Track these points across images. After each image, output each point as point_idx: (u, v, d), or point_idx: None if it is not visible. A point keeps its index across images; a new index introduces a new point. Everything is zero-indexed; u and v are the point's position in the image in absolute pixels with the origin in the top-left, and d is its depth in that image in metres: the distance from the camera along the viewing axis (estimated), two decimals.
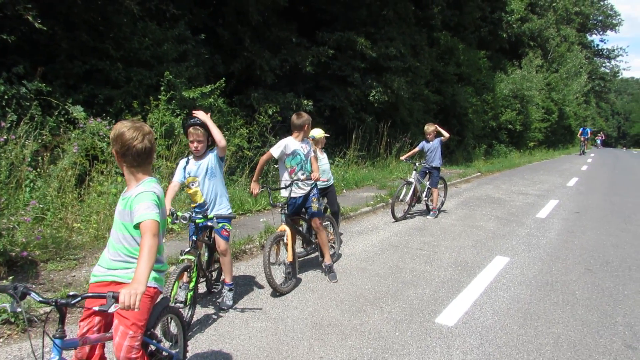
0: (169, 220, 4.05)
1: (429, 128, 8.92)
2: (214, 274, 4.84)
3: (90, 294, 2.36)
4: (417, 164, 9.00)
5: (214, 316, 4.35)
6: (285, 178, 5.31)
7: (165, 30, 9.00)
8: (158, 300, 2.78)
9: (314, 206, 5.36)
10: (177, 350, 3.15)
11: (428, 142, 8.91)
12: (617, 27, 58.76)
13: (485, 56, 25.61)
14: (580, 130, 35.60)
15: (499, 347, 3.91)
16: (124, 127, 2.50)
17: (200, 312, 4.38)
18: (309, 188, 5.35)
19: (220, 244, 4.43)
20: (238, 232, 6.66)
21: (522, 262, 6.37)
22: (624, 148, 66.30)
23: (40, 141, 6.28)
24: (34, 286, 4.42)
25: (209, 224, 4.19)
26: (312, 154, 5.43)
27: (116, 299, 2.11)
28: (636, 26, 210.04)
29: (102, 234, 5.79)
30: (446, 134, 8.94)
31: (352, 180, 11.82)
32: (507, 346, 3.94)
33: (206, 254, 4.57)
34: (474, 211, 9.94)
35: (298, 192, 5.31)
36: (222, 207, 4.45)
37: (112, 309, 2.16)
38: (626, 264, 6.45)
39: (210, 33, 10.77)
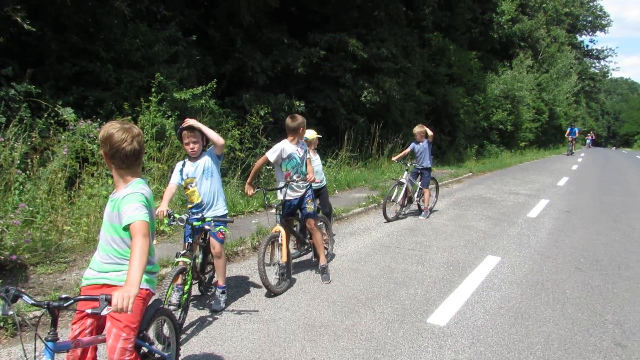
0: (166, 221, 4.05)
1: (416, 129, 8.96)
2: (207, 276, 4.83)
3: (82, 297, 2.35)
4: (408, 165, 9.03)
5: (206, 318, 4.34)
6: (281, 181, 5.31)
7: (156, 32, 8.96)
8: (150, 302, 2.77)
9: (309, 207, 5.37)
10: (169, 352, 3.15)
11: (417, 143, 8.95)
12: (606, 28, 59.27)
13: (476, 57, 25.74)
14: (568, 130, 34.54)
15: (490, 347, 3.94)
16: (113, 128, 2.48)
17: (192, 314, 4.37)
18: (303, 190, 5.35)
19: (215, 246, 4.43)
20: (230, 234, 6.62)
21: (513, 261, 6.41)
22: (614, 147, 66.86)
23: (29, 143, 6.23)
24: (23, 289, 4.38)
25: (206, 227, 4.18)
26: (308, 156, 5.45)
27: (109, 302, 2.10)
28: (625, 27, 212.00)
29: (92, 237, 5.75)
30: (430, 132, 8.93)
31: (344, 181, 11.83)
32: (499, 345, 3.97)
33: (200, 256, 4.56)
34: (466, 211, 9.99)
35: (293, 194, 5.30)
36: (219, 208, 4.46)
37: (104, 312, 2.15)
38: (616, 263, 6.51)
39: (202, 34, 10.75)
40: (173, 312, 3.65)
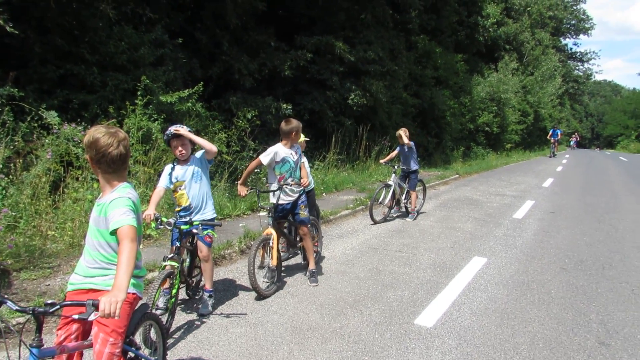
0: (153, 225, 4.03)
1: (397, 133, 9.02)
2: (195, 279, 4.81)
3: (68, 302, 2.33)
4: (396, 167, 9.08)
5: (194, 322, 4.32)
6: (274, 185, 5.30)
7: (141, 34, 8.91)
8: (137, 306, 2.76)
9: (303, 213, 5.35)
10: (156, 357, 3.13)
11: (402, 146, 9.00)
12: (589, 31, 60.11)
13: (462, 59, 25.96)
14: (550, 132, 33.03)
15: (476, 347, 3.97)
16: (99, 133, 2.46)
17: (180, 318, 4.35)
18: (297, 195, 5.33)
19: (203, 249, 4.42)
20: (217, 238, 6.59)
21: (499, 262, 6.47)
22: (598, 149, 67.72)
23: (12, 147, 6.15)
24: (6, 295, 4.32)
25: (194, 230, 4.16)
26: (303, 160, 5.44)
27: (96, 307, 2.09)
28: (608, 30, 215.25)
29: (77, 242, 5.70)
30: (405, 140, 8.93)
31: (331, 183, 11.85)
32: (485, 346, 4.00)
33: (188, 259, 4.54)
34: (452, 213, 10.05)
35: (286, 198, 5.29)
36: (207, 212, 4.45)
37: (91, 317, 2.13)
38: (599, 263, 6.59)
39: (188, 37, 10.70)
40: (160, 316, 3.63)
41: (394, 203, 9.15)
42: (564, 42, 59.78)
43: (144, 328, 3.15)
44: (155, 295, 3.67)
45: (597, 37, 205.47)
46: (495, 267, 6.22)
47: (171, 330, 4.04)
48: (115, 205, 2.42)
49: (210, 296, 4.54)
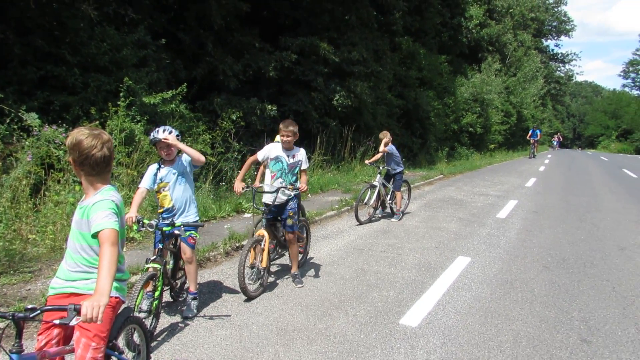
0: (135, 227, 3.98)
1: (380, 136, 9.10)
2: (179, 282, 4.77)
3: (49, 307, 2.30)
4: (380, 168, 9.11)
5: (178, 325, 4.28)
6: (267, 182, 5.28)
7: (124, 35, 8.82)
8: (120, 310, 2.72)
9: (290, 220, 5.31)
10: None
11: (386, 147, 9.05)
12: (570, 33, 61.17)
13: (446, 61, 26.19)
14: (530, 132, 32.21)
15: (461, 346, 3.99)
16: (82, 135, 2.43)
17: (164, 321, 4.31)
18: (285, 198, 5.28)
19: (186, 251, 4.38)
20: (202, 240, 6.57)
21: (483, 261, 6.52)
22: (579, 149, 68.74)
23: None
24: None
25: (176, 232, 4.13)
26: (304, 167, 5.38)
27: (78, 312, 2.06)
28: (588, 32, 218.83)
29: (59, 245, 5.62)
30: (380, 148, 9.02)
31: (317, 184, 11.85)
32: (469, 344, 4.03)
33: (171, 262, 4.50)
34: (437, 213, 10.12)
35: (278, 199, 5.26)
36: (190, 214, 4.42)
37: (73, 322, 2.10)
38: (581, 261, 6.68)
39: (171, 38, 10.63)
40: (143, 319, 3.60)
41: (379, 204, 9.18)
42: (545, 43, 60.72)
43: (126, 332, 3.11)
44: (137, 298, 3.63)
45: (578, 38, 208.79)
46: (479, 267, 6.28)
47: (155, 333, 4.00)
48: (97, 208, 2.39)
49: (194, 298, 4.51)
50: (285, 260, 6.21)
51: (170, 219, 4.24)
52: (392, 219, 9.19)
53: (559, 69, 66.55)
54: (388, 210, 9.51)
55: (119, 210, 2.47)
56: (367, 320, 4.46)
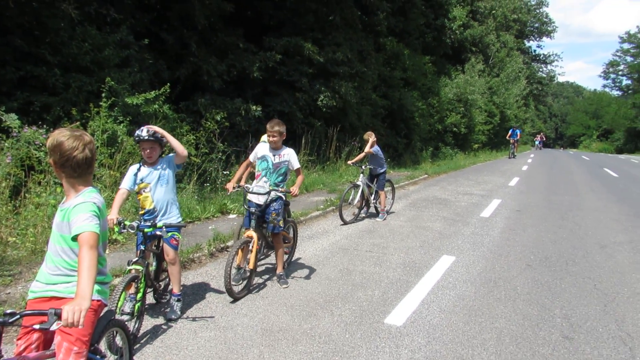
0: (116, 229, 3.93)
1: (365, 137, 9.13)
2: (162, 284, 4.73)
3: (29, 312, 2.26)
4: (363, 167, 9.14)
5: (162, 327, 4.24)
6: (259, 187, 5.25)
7: (106, 35, 8.72)
8: (102, 313, 2.69)
9: (272, 221, 5.27)
10: None
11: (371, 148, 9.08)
12: (552, 34, 62.03)
13: (430, 61, 26.36)
14: (510, 132, 31.25)
15: (445, 344, 4.02)
16: (63, 136, 2.38)
17: (147, 323, 4.26)
18: (265, 197, 5.24)
19: (169, 253, 4.34)
20: (186, 241, 6.53)
21: (467, 260, 6.57)
22: (562, 149, 69.70)
23: None
24: None
25: (158, 233, 4.09)
26: (295, 167, 5.35)
27: (58, 316, 2.02)
28: (569, 33, 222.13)
29: (40, 248, 5.53)
30: (366, 149, 9.07)
31: (302, 184, 11.81)
32: (453, 343, 4.05)
33: (154, 263, 4.46)
34: (422, 212, 10.17)
35: (255, 197, 5.23)
36: (172, 216, 4.37)
37: (53, 327, 2.06)
38: (563, 259, 6.77)
39: (154, 38, 10.54)
40: (127, 322, 3.56)
41: (364, 203, 9.21)
42: (527, 44, 61.48)
43: (108, 335, 3.07)
44: (118, 300, 3.58)
45: (560, 39, 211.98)
46: (464, 265, 6.33)
47: (138, 335, 3.96)
48: (78, 210, 2.36)
49: (178, 300, 4.47)
50: (271, 260, 6.20)
51: (151, 221, 4.19)
52: (377, 219, 9.22)
53: (541, 69, 67.45)
54: (373, 210, 9.54)
55: (100, 213, 2.43)
56: (352, 320, 4.47)
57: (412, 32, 25.56)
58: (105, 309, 2.74)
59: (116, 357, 3.10)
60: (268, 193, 5.15)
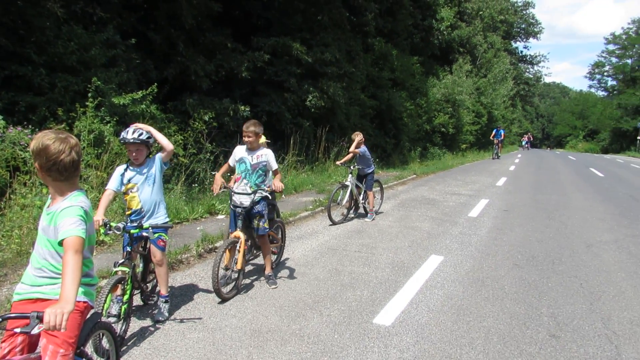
0: (102, 230, 3.89)
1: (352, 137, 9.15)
2: (150, 285, 4.69)
3: (12, 315, 2.23)
4: (352, 168, 9.15)
5: (149, 329, 4.21)
6: (242, 187, 5.23)
7: (92, 35, 8.62)
8: (89, 315, 2.66)
9: (257, 223, 5.25)
10: None
11: (357, 148, 9.09)
12: (538, 35, 62.72)
13: (418, 62, 26.48)
14: (494, 132, 30.65)
15: (433, 344, 4.03)
16: (48, 139, 2.32)
17: (135, 325, 4.23)
18: (249, 197, 5.22)
19: (156, 254, 4.31)
20: (174, 242, 6.50)
21: (455, 260, 6.61)
22: (548, 149, 70.42)
23: None
24: None
25: (144, 234, 4.06)
26: (274, 168, 5.33)
27: (40, 319, 2.00)
28: (555, 34, 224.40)
29: (25, 250, 5.46)
30: (351, 149, 9.09)
31: (290, 185, 11.82)
32: (442, 342, 4.07)
33: (141, 265, 4.42)
34: (410, 212, 10.21)
35: (239, 198, 5.21)
36: (159, 216, 4.33)
37: (35, 330, 2.04)
38: (550, 258, 6.83)
39: (141, 38, 10.45)
40: (113, 324, 3.53)
41: (352, 203, 9.22)
42: (514, 45, 62.05)
43: (94, 337, 3.04)
44: (104, 302, 3.54)
45: (546, 41, 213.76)
46: (452, 265, 6.36)
47: (126, 337, 3.92)
48: (65, 214, 2.33)
49: (166, 301, 4.43)
50: (259, 261, 6.18)
51: (138, 222, 4.15)
52: (366, 219, 9.23)
53: (527, 70, 68.15)
54: (361, 210, 9.56)
55: (86, 217, 2.40)
56: (341, 320, 4.47)
57: (400, 33, 25.65)
58: (92, 311, 2.71)
59: (103, 359, 3.07)
60: (253, 193, 5.13)
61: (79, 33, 8.32)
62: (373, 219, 9.23)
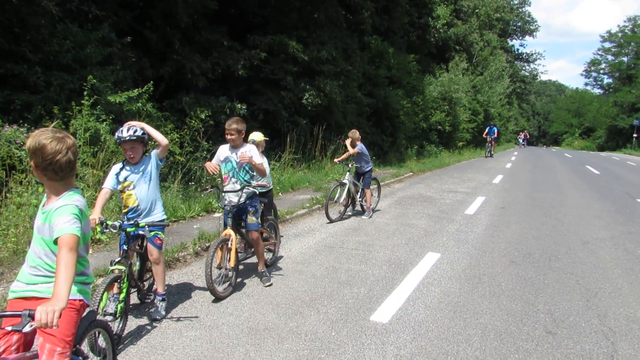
0: (99, 229, 3.88)
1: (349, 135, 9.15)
2: (146, 283, 4.68)
3: (6, 313, 2.22)
4: (349, 165, 9.15)
5: (146, 327, 4.20)
6: (232, 185, 5.21)
7: (87, 33, 8.59)
8: (85, 313, 2.65)
9: (251, 219, 5.25)
10: None
11: (354, 147, 9.09)
12: (534, 33, 62.65)
13: (414, 60, 26.48)
14: (487, 130, 29.86)
15: (430, 341, 4.04)
16: (45, 139, 2.31)
17: (132, 323, 4.22)
18: (239, 196, 5.21)
19: (153, 252, 4.30)
20: (171, 240, 6.48)
21: (452, 257, 6.62)
22: (545, 146, 70.56)
23: None
24: None
25: (141, 232, 4.05)
26: (256, 162, 5.29)
27: (32, 317, 1.99)
28: (551, 33, 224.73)
29: (21, 248, 5.44)
30: (349, 150, 9.10)
31: (287, 183, 11.82)
32: (439, 339, 4.08)
33: (138, 263, 4.41)
34: (407, 210, 10.22)
35: (233, 197, 5.20)
36: (156, 214, 4.33)
37: (26, 329, 2.03)
38: (546, 255, 6.85)
39: (137, 36, 10.42)
40: (110, 322, 3.52)
41: (350, 201, 9.22)
42: (510, 43, 62.05)
43: (90, 336, 3.03)
44: (100, 300, 3.53)
45: (542, 39, 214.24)
46: (448, 262, 6.37)
47: (123, 335, 3.92)
48: (60, 213, 2.32)
49: (162, 300, 4.43)
50: (256, 259, 6.16)
51: (134, 220, 4.14)
52: (363, 217, 9.24)
53: (524, 68, 68.17)
54: (358, 207, 9.57)
55: (82, 215, 2.40)
56: (338, 318, 4.47)
57: (397, 31, 25.65)
58: (88, 309, 2.71)
59: (99, 358, 3.07)
60: (241, 189, 5.12)
61: (75, 31, 8.29)
62: (370, 217, 9.24)
